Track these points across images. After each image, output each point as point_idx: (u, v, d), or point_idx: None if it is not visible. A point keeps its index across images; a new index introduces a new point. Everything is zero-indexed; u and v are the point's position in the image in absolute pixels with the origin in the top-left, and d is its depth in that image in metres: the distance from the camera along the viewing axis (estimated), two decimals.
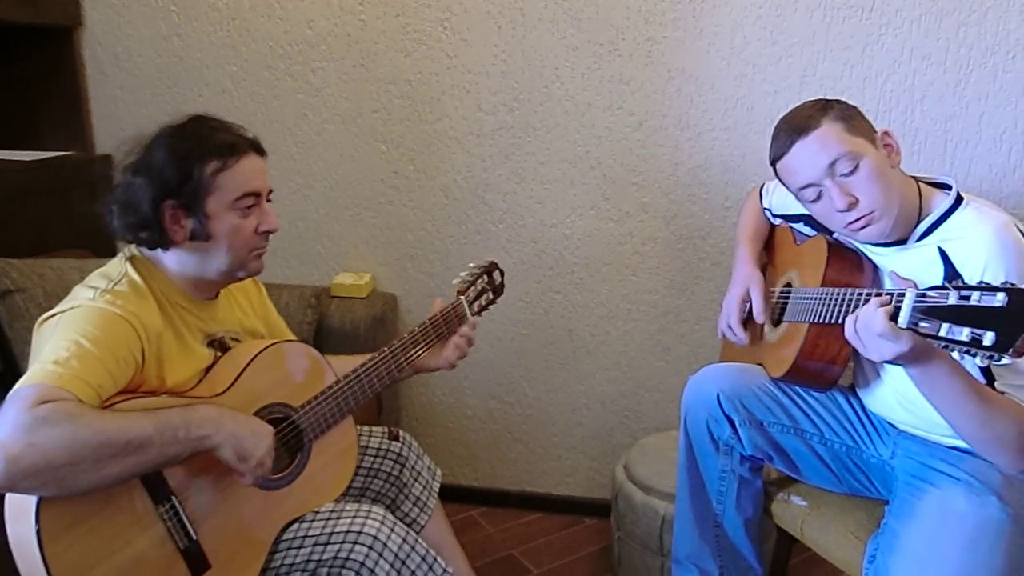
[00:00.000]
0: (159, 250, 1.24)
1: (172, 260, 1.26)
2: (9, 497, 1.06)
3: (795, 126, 1.31)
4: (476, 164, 2.06)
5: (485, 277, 1.64)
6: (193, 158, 1.20)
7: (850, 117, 1.30)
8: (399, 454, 1.54)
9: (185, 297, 1.28)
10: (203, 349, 1.28)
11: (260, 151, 1.28)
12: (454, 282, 1.60)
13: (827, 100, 1.33)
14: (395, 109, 2.05)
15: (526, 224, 2.09)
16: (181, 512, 1.14)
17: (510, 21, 1.95)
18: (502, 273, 1.69)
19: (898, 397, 1.40)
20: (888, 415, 1.46)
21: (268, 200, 1.30)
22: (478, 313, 1.61)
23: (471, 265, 1.65)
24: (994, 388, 1.20)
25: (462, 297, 1.56)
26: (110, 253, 2.14)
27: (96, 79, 2.12)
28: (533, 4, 1.93)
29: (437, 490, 1.59)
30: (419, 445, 1.60)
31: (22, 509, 1.02)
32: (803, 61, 1.87)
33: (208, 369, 1.27)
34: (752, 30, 1.87)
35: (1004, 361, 0.91)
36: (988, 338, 0.91)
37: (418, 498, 1.54)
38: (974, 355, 0.94)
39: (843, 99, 1.34)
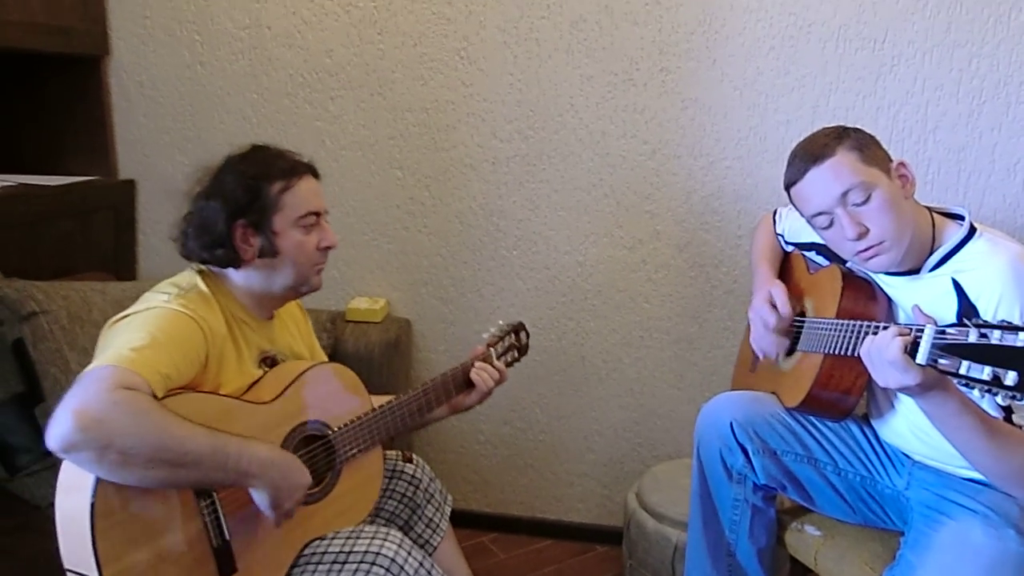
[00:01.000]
0: (230, 268, 1.31)
1: (240, 276, 1.34)
2: (66, 469, 1.10)
3: (810, 153, 1.32)
4: (491, 191, 2.09)
5: (513, 336, 1.70)
6: (260, 178, 1.30)
7: (865, 146, 1.30)
8: (413, 475, 1.56)
9: (246, 313, 1.35)
10: (255, 369, 1.34)
11: (316, 174, 1.38)
12: (483, 336, 1.65)
13: (844, 128, 1.34)
14: (411, 136, 2.09)
15: (540, 251, 2.11)
16: (220, 510, 1.18)
17: (526, 51, 1.98)
18: (528, 334, 1.74)
19: (912, 428, 1.39)
20: (903, 446, 1.45)
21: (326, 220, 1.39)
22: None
23: (500, 323, 1.70)
24: (1011, 422, 1.19)
25: (492, 350, 1.61)
26: (131, 276, 2.19)
27: (121, 106, 2.17)
28: (549, 34, 1.96)
29: (449, 514, 1.61)
30: (431, 469, 1.62)
31: (80, 482, 1.06)
32: (815, 92, 1.89)
33: (256, 382, 1.32)
34: (765, 61, 1.89)
35: None
36: (1010, 377, 0.90)
37: (431, 520, 1.56)
38: (995, 394, 0.93)
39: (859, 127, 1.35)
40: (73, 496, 1.07)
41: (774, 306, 1.52)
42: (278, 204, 1.30)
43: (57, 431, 1.01)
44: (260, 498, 1.17)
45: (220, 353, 1.25)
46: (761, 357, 1.63)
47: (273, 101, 2.12)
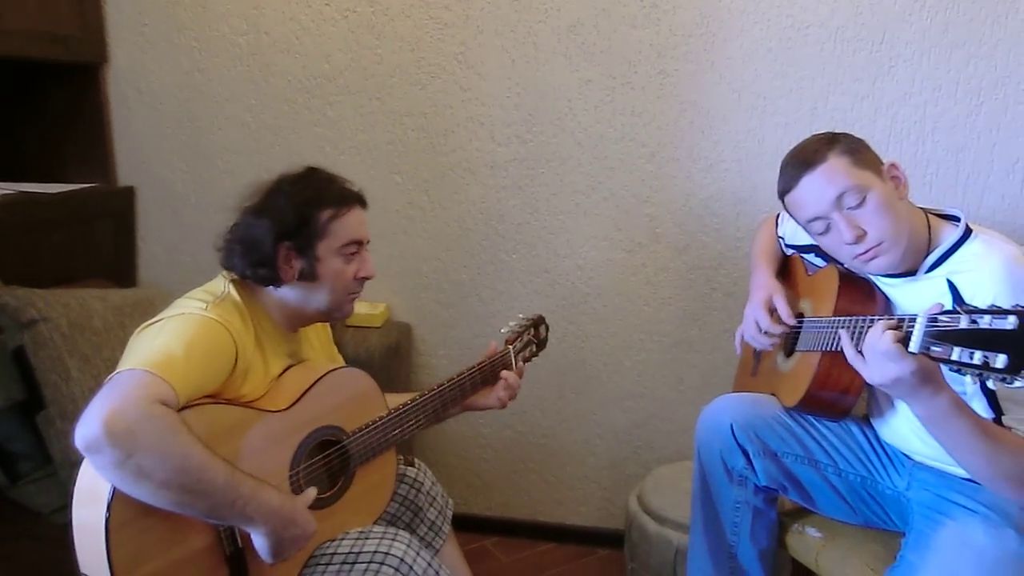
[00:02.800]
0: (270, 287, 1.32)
1: (275, 292, 1.33)
2: (81, 483, 1.10)
3: (802, 160, 1.32)
4: (490, 195, 2.09)
5: (532, 330, 1.70)
6: (311, 204, 1.31)
7: (856, 150, 1.31)
8: (415, 479, 1.57)
9: (274, 326, 1.35)
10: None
11: (364, 204, 1.39)
12: (502, 331, 1.65)
13: (834, 133, 1.34)
14: (410, 141, 2.09)
15: (539, 254, 2.11)
16: None
17: (524, 55, 1.99)
18: (547, 328, 1.74)
19: (913, 428, 1.39)
20: (903, 446, 1.45)
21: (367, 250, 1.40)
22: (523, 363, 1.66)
23: (520, 316, 1.71)
24: (1002, 423, 1.19)
25: (510, 347, 1.61)
26: (131, 283, 2.20)
27: (120, 113, 2.17)
28: (546, 38, 1.97)
29: (450, 517, 1.61)
30: (433, 473, 1.62)
31: (96, 495, 1.07)
32: (813, 93, 1.89)
33: (275, 382, 1.33)
34: (763, 63, 1.89)
35: (1017, 384, 0.91)
36: (1000, 360, 0.92)
37: (433, 522, 1.56)
38: (986, 378, 0.94)
39: (850, 132, 1.35)
40: (89, 508, 1.08)
41: (772, 310, 1.52)
42: (325, 231, 1.31)
43: (85, 430, 1.01)
44: (260, 544, 1.16)
45: (247, 366, 1.25)
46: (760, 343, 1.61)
47: (272, 107, 2.12)
